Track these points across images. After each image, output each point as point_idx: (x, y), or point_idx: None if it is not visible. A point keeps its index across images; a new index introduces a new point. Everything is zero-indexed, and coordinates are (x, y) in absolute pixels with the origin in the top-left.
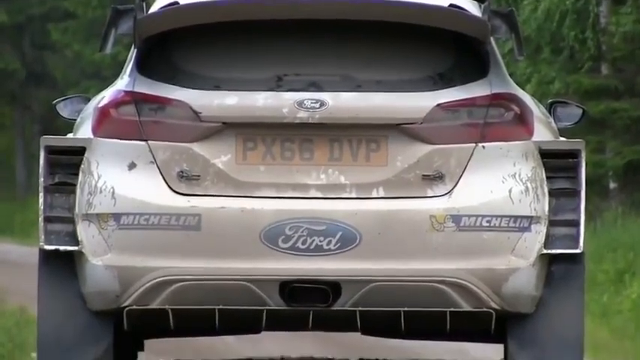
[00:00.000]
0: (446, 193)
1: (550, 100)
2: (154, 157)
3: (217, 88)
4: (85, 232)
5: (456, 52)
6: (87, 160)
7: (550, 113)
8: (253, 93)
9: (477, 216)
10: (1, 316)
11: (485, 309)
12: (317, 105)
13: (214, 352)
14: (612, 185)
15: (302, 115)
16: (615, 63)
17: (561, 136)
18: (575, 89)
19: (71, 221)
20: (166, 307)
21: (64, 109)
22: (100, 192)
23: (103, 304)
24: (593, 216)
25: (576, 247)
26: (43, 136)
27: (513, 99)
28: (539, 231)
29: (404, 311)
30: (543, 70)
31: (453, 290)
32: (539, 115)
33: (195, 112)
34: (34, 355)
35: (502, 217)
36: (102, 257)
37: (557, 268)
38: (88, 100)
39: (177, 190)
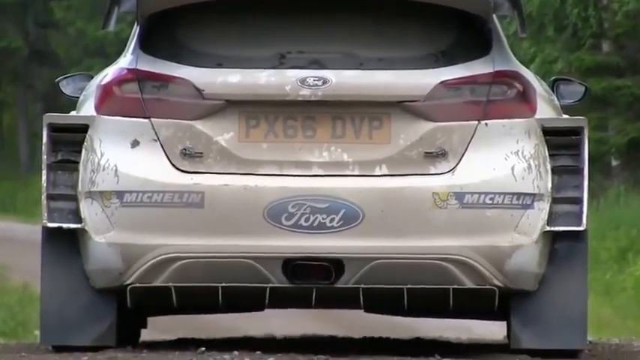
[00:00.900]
0: (449, 171)
1: (553, 78)
2: (156, 134)
3: (220, 65)
4: (88, 209)
5: (458, 29)
6: (90, 138)
7: (553, 91)
8: (256, 71)
9: (480, 193)
10: (4, 293)
11: (488, 286)
12: (320, 82)
13: (218, 329)
14: (615, 163)
15: (305, 92)
16: (618, 40)
17: (564, 113)
18: (578, 67)
19: (74, 199)
20: (169, 284)
21: (66, 87)
22: (103, 170)
23: (106, 281)
24: (595, 194)
25: (579, 225)
26: (46, 114)
27: (516, 76)
28: (542, 208)
29: (407, 289)
30: (547, 49)
31: (456, 267)
32: (542, 93)
33: (198, 90)
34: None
35: (505, 194)
36: (105, 235)
37: (561, 246)
38: (91, 77)
39: (180, 167)
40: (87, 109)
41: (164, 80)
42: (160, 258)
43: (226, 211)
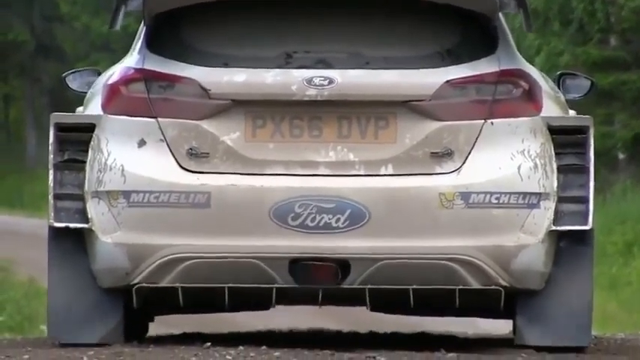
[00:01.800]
0: (454, 170)
1: (559, 72)
2: (163, 134)
3: (226, 65)
4: (94, 209)
5: (464, 28)
6: (97, 137)
7: (559, 85)
8: (262, 70)
9: (486, 193)
10: (10, 287)
11: (494, 286)
12: (326, 82)
13: (224, 324)
14: (621, 157)
15: (311, 92)
16: (624, 34)
17: (570, 108)
18: (584, 61)
19: (81, 198)
20: (176, 284)
21: (73, 82)
22: (110, 169)
23: (113, 281)
24: (601, 188)
25: (585, 224)
26: (53, 114)
27: (522, 75)
28: (548, 207)
29: (413, 289)
30: (552, 42)
31: (462, 267)
32: (547, 91)
33: (205, 90)
34: (43, 327)
35: (511, 193)
36: (112, 235)
37: (567, 245)
38: (98, 73)
39: (186, 167)
40: (94, 107)
41: (171, 80)
42: (166, 258)
43: (233, 211)
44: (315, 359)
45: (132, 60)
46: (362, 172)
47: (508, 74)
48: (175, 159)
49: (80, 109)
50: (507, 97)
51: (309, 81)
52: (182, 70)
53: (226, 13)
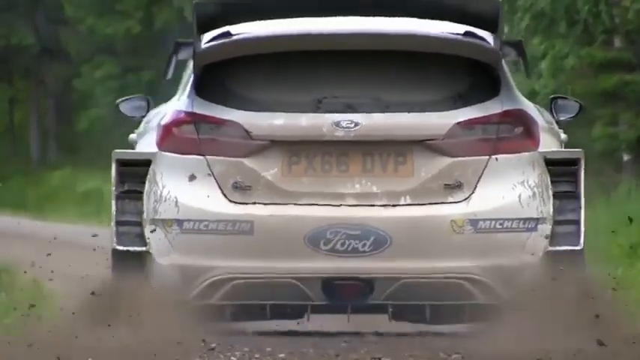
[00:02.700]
0: (464, 200)
1: (551, 96)
2: (211, 170)
3: (265, 109)
4: (151, 234)
5: (471, 75)
6: (152, 171)
7: (551, 108)
8: (297, 114)
9: (492, 219)
10: (13, 290)
11: (498, 301)
12: (352, 125)
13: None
14: (626, 158)
15: (339, 133)
16: (629, 36)
17: (566, 128)
18: (589, 62)
19: (139, 224)
20: (224, 302)
21: (124, 107)
22: (165, 200)
23: (167, 297)
24: (606, 189)
25: (577, 244)
26: (115, 150)
27: (521, 115)
28: (545, 230)
29: (429, 305)
30: (558, 45)
31: (471, 285)
32: (543, 125)
33: (247, 131)
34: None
35: (513, 219)
36: (167, 257)
37: (561, 263)
38: (146, 100)
39: (232, 199)
40: (148, 144)
41: (217, 122)
42: (215, 278)
43: (273, 237)
44: None
45: (182, 103)
46: (384, 202)
47: (510, 115)
48: (222, 192)
49: (133, 135)
50: (509, 135)
51: (337, 124)
52: (227, 113)
53: (265, 63)
